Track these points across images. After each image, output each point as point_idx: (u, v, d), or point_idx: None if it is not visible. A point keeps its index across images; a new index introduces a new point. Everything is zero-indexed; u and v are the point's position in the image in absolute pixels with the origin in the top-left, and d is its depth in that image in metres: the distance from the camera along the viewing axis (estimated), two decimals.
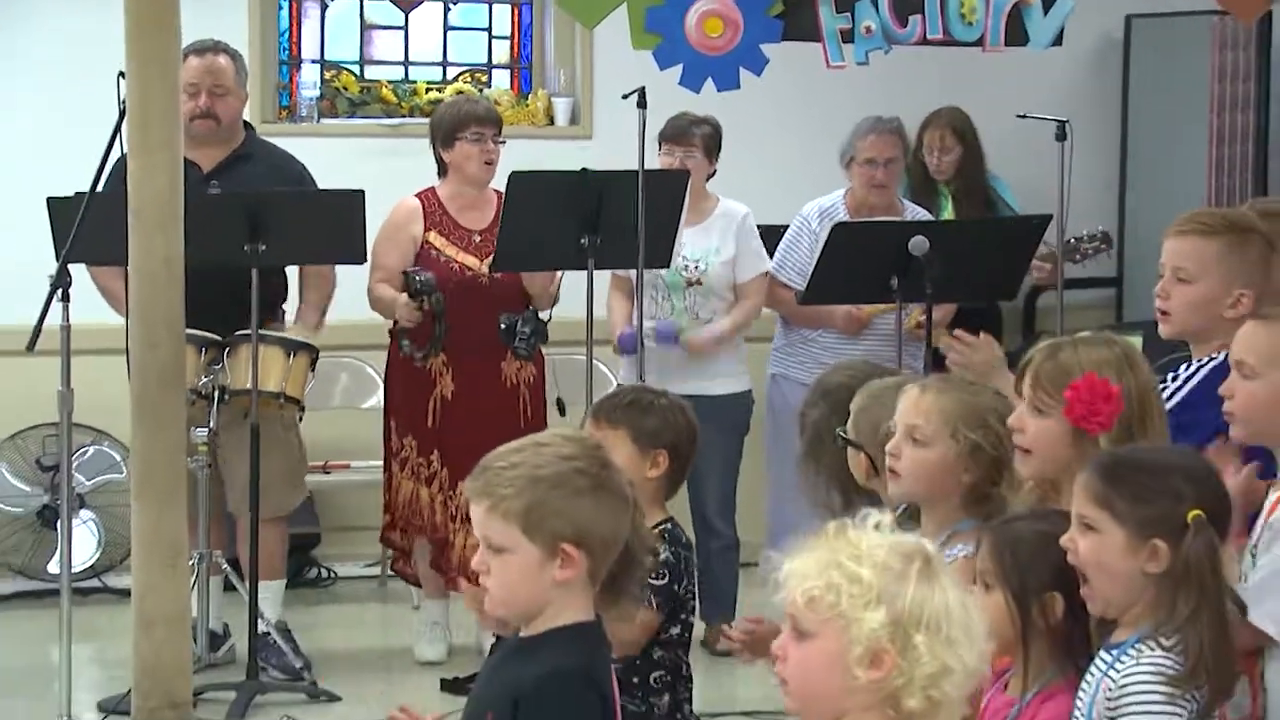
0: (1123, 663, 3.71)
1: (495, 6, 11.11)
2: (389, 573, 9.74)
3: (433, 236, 8.54)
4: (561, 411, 8.54)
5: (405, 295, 8.25)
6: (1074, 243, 9.33)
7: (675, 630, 4.96)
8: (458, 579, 8.30)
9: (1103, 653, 3.79)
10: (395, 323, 8.42)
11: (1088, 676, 3.79)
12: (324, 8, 10.90)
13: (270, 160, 8.78)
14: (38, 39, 9.71)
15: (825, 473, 4.83)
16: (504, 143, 8.63)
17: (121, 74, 7.53)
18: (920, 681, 3.09)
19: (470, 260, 8.50)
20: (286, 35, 10.69)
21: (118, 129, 7.60)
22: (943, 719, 3.15)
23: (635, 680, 4.72)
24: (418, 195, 8.62)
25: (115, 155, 7.67)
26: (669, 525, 4.97)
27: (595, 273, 8.29)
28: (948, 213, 9.60)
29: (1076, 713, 3.79)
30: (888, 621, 3.08)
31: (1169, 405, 4.65)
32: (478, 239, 8.55)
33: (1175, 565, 3.68)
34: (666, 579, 4.91)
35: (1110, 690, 3.71)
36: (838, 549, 3.15)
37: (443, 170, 8.63)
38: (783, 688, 3.22)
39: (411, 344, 8.37)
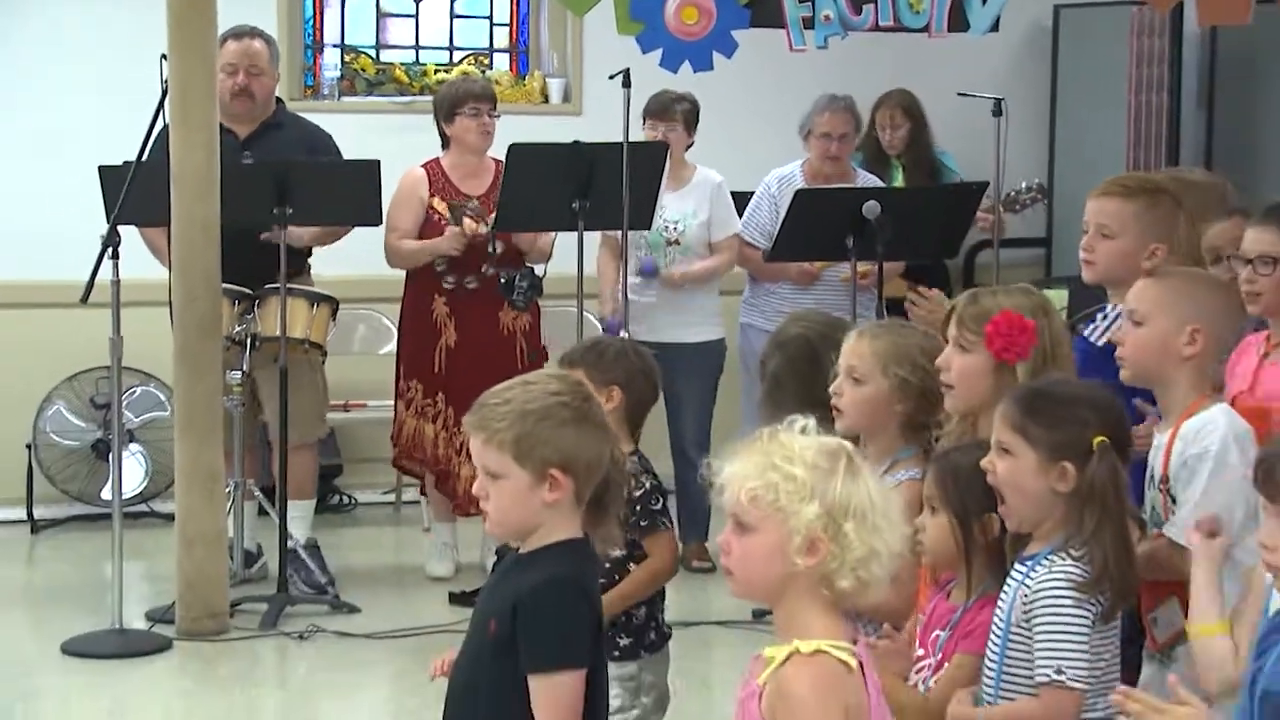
0: (1036, 573, 3.74)
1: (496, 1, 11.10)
2: (403, 499, 9.75)
3: (436, 202, 8.58)
4: (546, 358, 8.48)
5: (450, 228, 8.41)
6: (1014, 195, 9.37)
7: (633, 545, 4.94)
8: (465, 509, 8.45)
9: (1018, 564, 3.81)
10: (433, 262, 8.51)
11: (1006, 585, 3.82)
12: (344, 3, 10.84)
13: (298, 129, 8.80)
14: (85, 23, 9.65)
15: (783, 416, 4.81)
16: (499, 116, 8.66)
17: (164, 56, 7.56)
18: (851, 564, 3.12)
19: (469, 223, 8.48)
20: (310, 22, 10.67)
21: (160, 106, 7.64)
22: (870, 597, 3.19)
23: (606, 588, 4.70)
24: (423, 165, 8.67)
25: (158, 129, 7.70)
26: (637, 455, 4.95)
27: (585, 234, 8.34)
28: (898, 182, 9.60)
29: (996, 617, 3.81)
30: (821, 513, 3.11)
31: (1100, 343, 4.67)
32: (474, 203, 8.56)
33: (1081, 485, 3.71)
34: (661, 504, 4.92)
35: (1026, 596, 3.73)
36: (772, 451, 3.17)
37: (445, 142, 8.68)
38: (728, 578, 3.25)
39: (454, 275, 8.51)
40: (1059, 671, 3.66)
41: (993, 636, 3.80)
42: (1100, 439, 3.71)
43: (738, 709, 3.24)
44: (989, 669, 3.78)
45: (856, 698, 3.16)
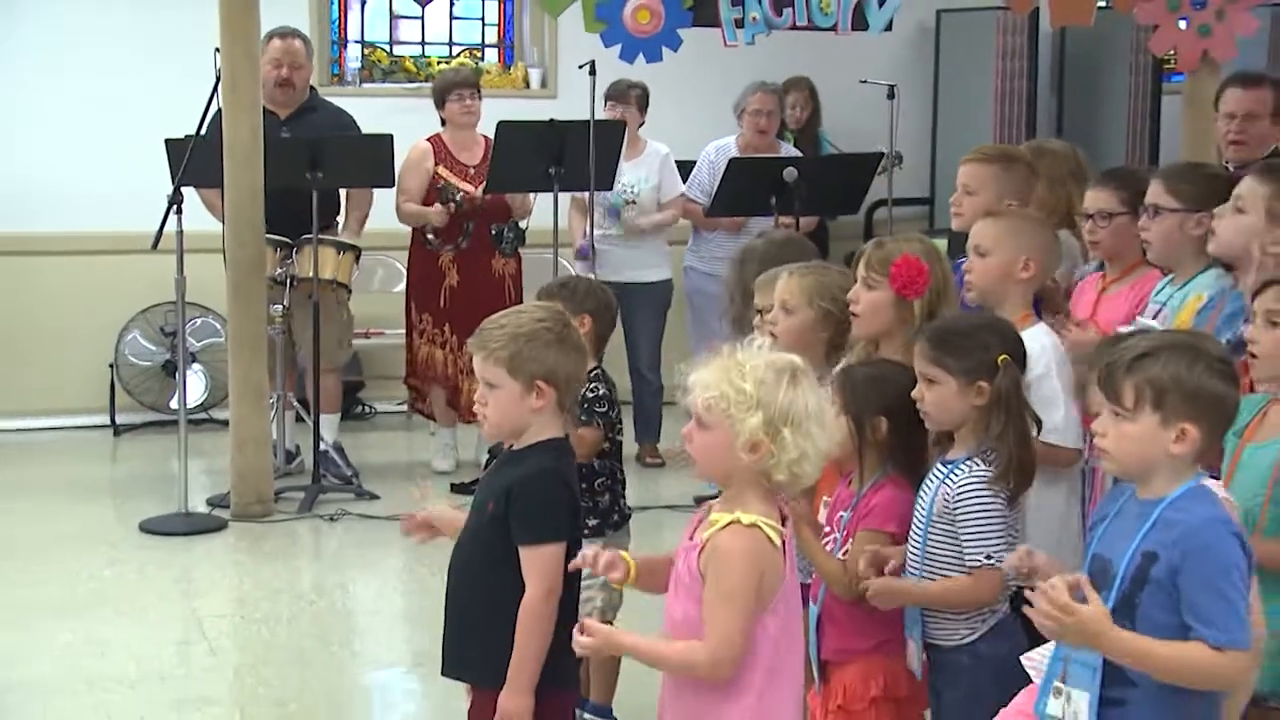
0: (956, 476, 3.74)
1: (487, 2, 11.04)
2: (416, 413, 9.76)
3: (440, 169, 8.62)
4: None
5: (439, 204, 8.46)
6: (883, 157, 9.43)
7: (607, 445, 4.96)
8: (470, 416, 8.37)
9: (939, 465, 3.81)
10: (424, 228, 8.58)
11: (927, 482, 3.82)
12: (363, 3, 10.80)
13: (328, 112, 8.82)
14: (147, 21, 9.60)
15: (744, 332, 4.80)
16: (481, 99, 8.73)
17: (217, 49, 7.55)
18: (786, 463, 3.16)
19: (467, 186, 8.55)
20: (336, 23, 10.63)
21: (215, 90, 7.64)
22: (801, 487, 3.29)
23: (585, 485, 4.71)
24: (428, 139, 8.69)
25: (213, 110, 7.71)
26: (599, 370, 4.95)
27: (559, 195, 8.46)
28: (791, 149, 9.56)
29: (918, 509, 3.82)
30: (764, 422, 3.14)
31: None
32: (471, 171, 8.64)
33: (992, 397, 3.71)
34: (605, 409, 4.92)
35: (948, 494, 3.73)
36: (729, 366, 3.20)
37: (442, 122, 8.71)
38: (691, 461, 3.28)
39: (437, 239, 8.57)
40: (988, 557, 3.67)
41: (915, 525, 3.80)
42: (1003, 357, 3.73)
43: (679, 556, 3.29)
44: (913, 552, 3.79)
45: (774, 568, 3.19)
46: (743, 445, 3.16)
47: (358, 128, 8.71)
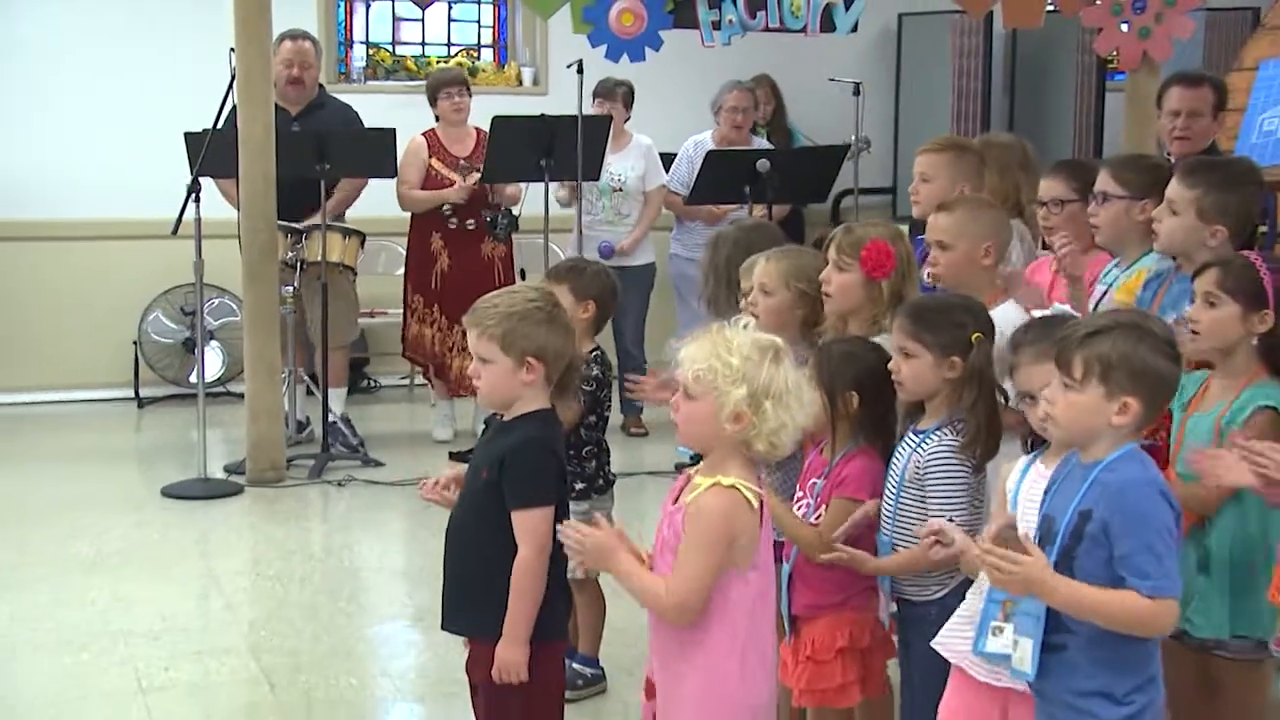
0: (927, 444, 3.73)
1: (482, 5, 11.00)
2: (415, 383, 9.71)
3: (434, 161, 8.62)
4: (523, 277, 8.59)
5: (457, 180, 8.53)
6: (851, 145, 9.42)
7: (593, 419, 4.95)
8: (456, 390, 8.58)
9: (911, 434, 3.80)
10: (441, 207, 8.59)
11: (899, 449, 3.82)
12: (368, 6, 10.76)
13: (334, 108, 8.78)
14: (167, 23, 9.55)
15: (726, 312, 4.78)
16: (471, 95, 8.72)
17: (232, 50, 7.53)
18: (766, 433, 3.17)
19: (456, 177, 8.56)
20: (343, 25, 10.59)
21: (230, 87, 7.62)
22: (778, 456, 3.27)
23: (572, 453, 4.70)
24: (423, 134, 8.69)
25: (228, 106, 7.71)
26: (598, 351, 4.94)
27: (550, 184, 8.43)
28: (764, 144, 9.52)
29: (890, 474, 3.81)
30: (747, 395, 3.14)
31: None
32: (462, 162, 8.63)
33: (964, 371, 3.70)
34: (594, 387, 4.90)
35: (919, 461, 3.72)
36: (717, 342, 3.19)
37: (436, 118, 8.70)
38: (678, 428, 3.27)
39: (459, 219, 8.60)
40: (951, 518, 3.64)
41: (888, 490, 3.80)
42: (977, 335, 3.72)
43: (664, 520, 3.28)
44: (886, 515, 3.79)
45: (751, 528, 3.19)
46: (727, 415, 3.16)
47: (361, 122, 8.68)
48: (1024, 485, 3.35)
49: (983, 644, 3.16)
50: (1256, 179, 4.64)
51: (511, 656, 3.58)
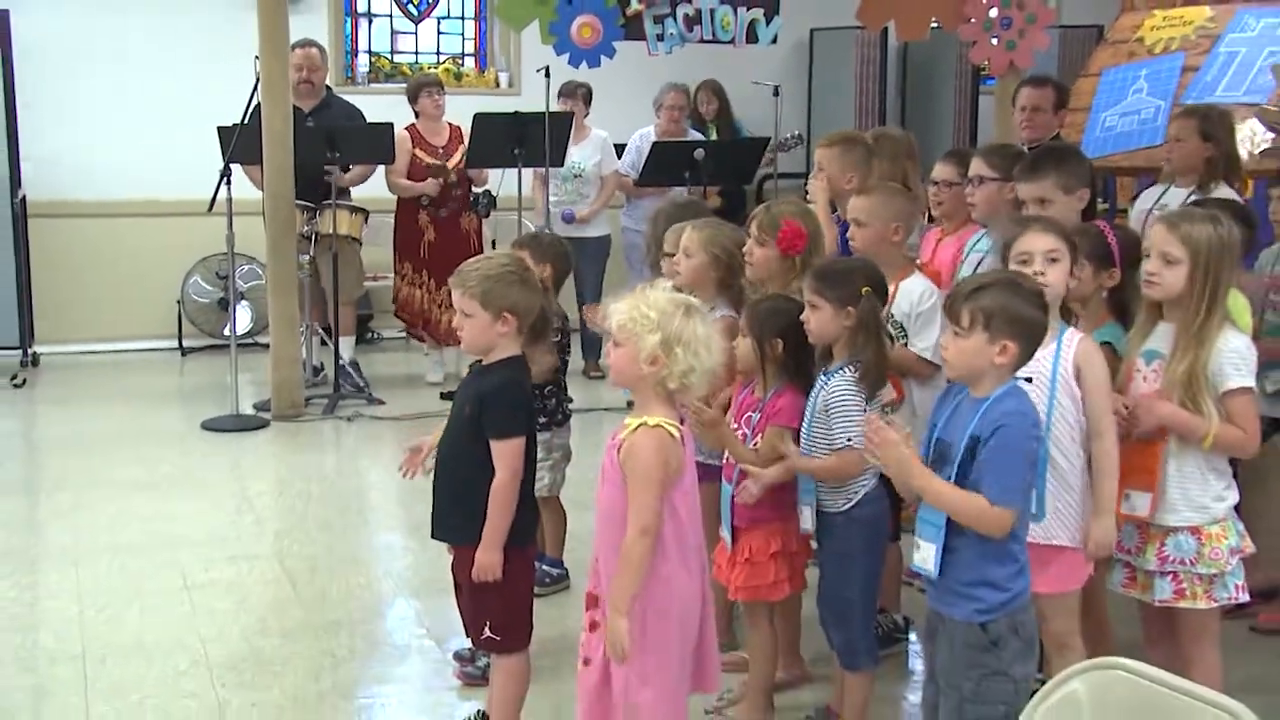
0: (832, 380, 3.74)
1: (466, 20, 10.88)
2: (412, 338, 9.65)
3: (417, 151, 8.57)
4: (493, 246, 8.64)
5: (431, 179, 8.46)
6: (784, 141, 9.45)
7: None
8: (444, 340, 8.54)
9: (822, 374, 3.80)
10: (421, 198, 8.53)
11: (815, 387, 3.81)
12: (370, 21, 10.62)
13: (341, 106, 8.67)
14: (203, 32, 9.41)
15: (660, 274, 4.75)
16: (445, 94, 8.70)
17: (256, 57, 7.47)
18: (678, 374, 3.15)
19: (435, 164, 8.52)
20: (349, 36, 10.47)
21: (255, 88, 7.55)
22: (692, 394, 3.26)
23: (537, 391, 4.66)
24: (406, 128, 8.60)
25: (254, 103, 7.65)
26: (558, 305, 4.92)
27: (522, 170, 8.41)
28: (714, 136, 9.54)
29: (808, 406, 3.81)
30: (660, 341, 3.13)
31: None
32: (440, 150, 8.59)
33: (857, 320, 3.70)
34: (559, 339, 4.88)
35: (828, 395, 3.73)
36: (638, 299, 3.19)
37: (416, 114, 8.65)
38: (610, 373, 3.27)
39: (431, 204, 8.54)
40: (849, 440, 3.67)
41: (805, 418, 3.80)
42: (866, 290, 3.72)
43: (606, 455, 3.25)
44: (804, 437, 3.79)
45: (677, 456, 3.17)
46: (645, 358, 3.15)
47: (364, 118, 8.58)
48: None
49: (913, 559, 3.22)
50: (1074, 149, 4.89)
51: (488, 560, 3.58)
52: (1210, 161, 5.11)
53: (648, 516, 3.11)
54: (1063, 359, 3.45)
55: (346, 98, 8.88)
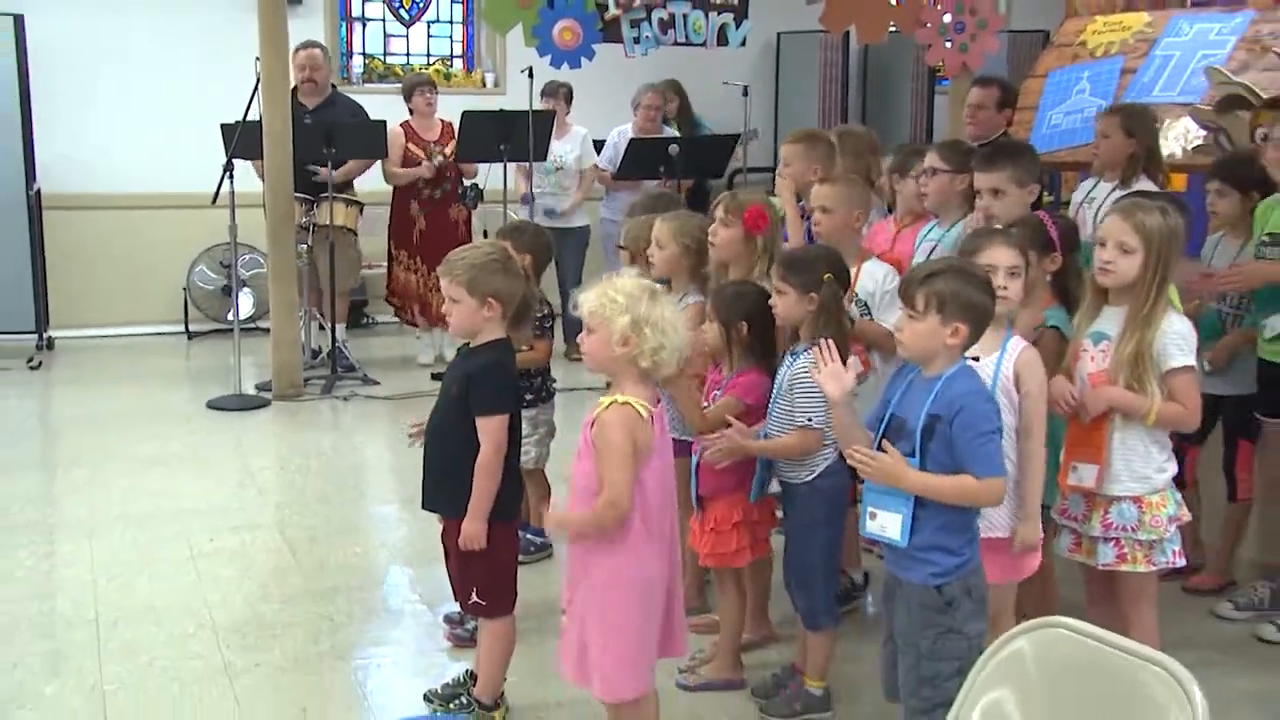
0: (797, 361, 3.72)
1: (454, 24, 10.80)
2: (404, 322, 9.60)
3: (410, 145, 8.54)
4: (485, 235, 8.47)
5: (426, 162, 8.44)
6: (745, 134, 9.39)
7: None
8: (435, 323, 8.47)
9: (789, 356, 3.79)
10: (417, 181, 8.50)
11: (783, 365, 3.80)
12: (364, 25, 10.56)
13: (345, 103, 8.63)
14: (204, 36, 9.32)
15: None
16: (437, 93, 8.67)
17: (257, 58, 7.41)
18: (648, 352, 3.15)
19: (423, 157, 8.49)
20: (345, 39, 10.40)
21: (256, 88, 7.50)
22: (662, 372, 3.22)
23: (523, 370, 4.65)
24: (400, 124, 8.57)
25: (255, 101, 7.56)
26: (540, 294, 4.89)
27: (507, 164, 8.36)
28: (673, 130, 9.43)
29: (774, 388, 3.80)
30: (630, 322, 3.13)
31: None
32: (431, 144, 8.54)
33: (819, 304, 3.69)
34: (550, 325, 4.88)
35: (793, 375, 3.72)
36: (608, 286, 3.19)
37: (410, 111, 8.61)
38: (584, 357, 3.27)
39: (430, 190, 8.53)
40: (809, 419, 3.68)
41: (772, 397, 3.80)
42: (828, 276, 3.71)
43: (582, 432, 3.24)
44: (769, 416, 3.79)
45: (646, 435, 3.16)
46: (616, 340, 3.14)
47: (367, 114, 8.52)
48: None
49: (864, 526, 3.22)
50: (1027, 145, 4.86)
51: (473, 530, 3.57)
52: (1133, 156, 5.14)
53: (617, 491, 3.11)
54: (1005, 365, 3.44)
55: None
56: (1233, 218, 4.66)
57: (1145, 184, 5.08)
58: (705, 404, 3.94)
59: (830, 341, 3.32)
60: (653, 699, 3.36)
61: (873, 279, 4.32)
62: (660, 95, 9.03)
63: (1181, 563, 3.64)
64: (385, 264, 8.87)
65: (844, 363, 3.61)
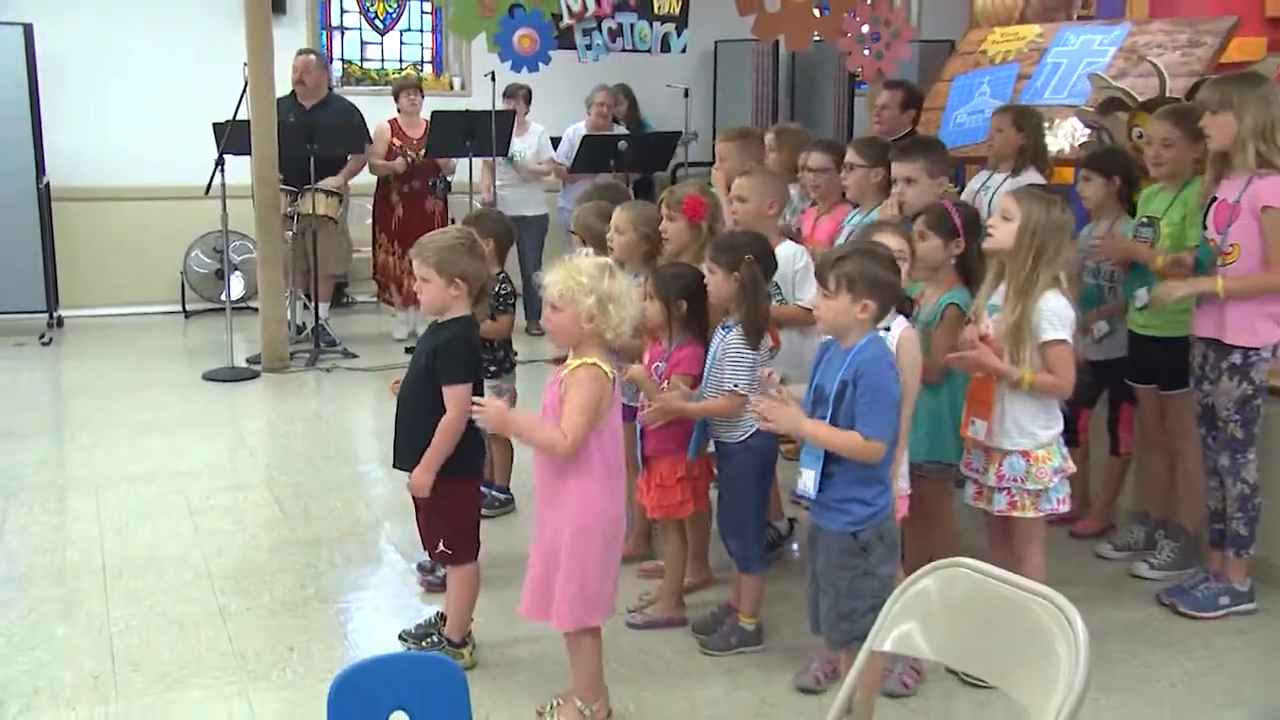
0: (725, 334, 3.73)
1: (424, 32, 10.66)
2: (382, 301, 9.52)
3: (394, 140, 8.44)
4: (452, 223, 8.44)
5: (399, 159, 8.37)
6: (685, 134, 9.35)
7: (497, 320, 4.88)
8: (409, 302, 8.38)
9: (720, 329, 3.78)
10: (391, 176, 8.46)
11: (715, 337, 3.80)
12: (343, 34, 10.42)
13: (338, 103, 8.50)
14: (200, 41, 9.15)
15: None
16: (423, 96, 8.61)
17: (245, 64, 7.31)
18: (613, 326, 3.14)
19: (409, 151, 8.41)
20: (325, 46, 10.23)
21: (244, 90, 7.39)
22: (621, 342, 3.24)
23: (486, 343, 4.63)
24: (388, 120, 8.50)
25: (243, 102, 7.45)
26: (503, 274, 4.86)
27: (473, 159, 8.30)
28: (622, 128, 9.38)
29: (708, 358, 3.79)
30: (595, 301, 3.11)
31: None
32: (415, 140, 8.44)
33: (739, 283, 3.67)
34: (510, 299, 4.84)
35: (724, 347, 3.72)
36: (570, 267, 3.17)
37: (398, 110, 8.51)
38: (549, 334, 3.25)
39: (398, 181, 8.46)
40: (734, 385, 3.66)
41: (706, 367, 3.79)
42: (749, 257, 3.68)
43: (547, 392, 3.24)
44: (704, 382, 3.78)
45: (608, 393, 3.16)
46: (584, 318, 3.12)
47: (359, 113, 8.38)
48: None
49: (796, 485, 3.23)
50: (939, 142, 4.86)
51: (421, 479, 3.56)
52: (1022, 149, 5.17)
53: (573, 430, 3.11)
54: (889, 339, 3.47)
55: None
56: (1098, 200, 4.70)
57: (1033, 175, 5.12)
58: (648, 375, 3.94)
59: (776, 393, 3.19)
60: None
61: (785, 262, 4.29)
62: (611, 96, 9.00)
63: (1066, 509, 3.68)
64: (368, 250, 8.80)
65: (759, 333, 3.61)
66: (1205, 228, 4.09)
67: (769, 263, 3.80)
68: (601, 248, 4.40)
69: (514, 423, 3.27)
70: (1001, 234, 3.54)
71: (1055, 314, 3.50)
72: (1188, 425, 4.36)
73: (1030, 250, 3.50)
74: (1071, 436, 4.83)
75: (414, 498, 3.71)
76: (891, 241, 3.53)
